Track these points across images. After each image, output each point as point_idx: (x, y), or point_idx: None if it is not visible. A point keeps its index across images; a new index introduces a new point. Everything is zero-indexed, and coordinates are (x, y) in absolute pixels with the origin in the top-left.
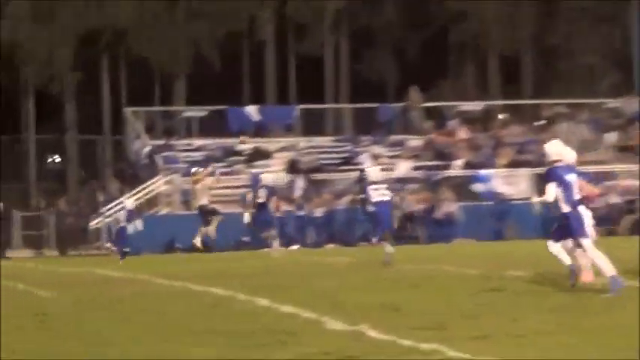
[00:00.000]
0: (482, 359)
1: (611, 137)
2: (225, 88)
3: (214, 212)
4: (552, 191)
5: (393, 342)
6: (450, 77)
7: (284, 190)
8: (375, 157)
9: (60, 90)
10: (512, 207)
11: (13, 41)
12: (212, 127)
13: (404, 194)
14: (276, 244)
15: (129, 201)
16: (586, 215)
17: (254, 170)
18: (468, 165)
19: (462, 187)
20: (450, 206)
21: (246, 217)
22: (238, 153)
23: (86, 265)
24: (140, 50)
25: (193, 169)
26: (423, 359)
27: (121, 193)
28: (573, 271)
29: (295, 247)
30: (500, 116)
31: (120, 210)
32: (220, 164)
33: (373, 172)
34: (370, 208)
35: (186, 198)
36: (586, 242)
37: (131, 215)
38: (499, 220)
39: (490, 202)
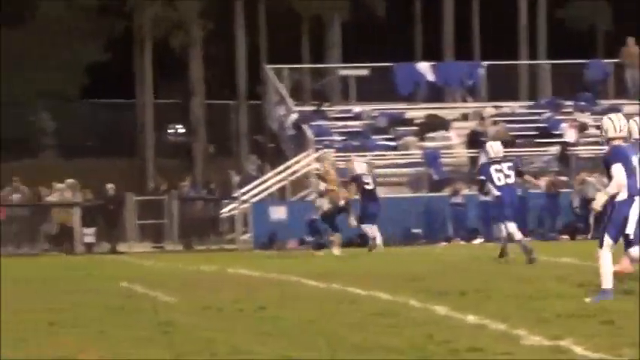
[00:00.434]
0: None
1: None
2: (391, 40)
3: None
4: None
5: None
6: None
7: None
8: (580, 128)
9: (184, 44)
10: None
11: None
12: (374, 89)
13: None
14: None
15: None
16: None
17: (428, 144)
18: None
19: None
20: None
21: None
22: (408, 122)
23: (217, 262)
24: None
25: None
26: None
27: (261, 172)
28: None
29: (478, 241)
30: None
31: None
32: (384, 136)
33: (495, 146)
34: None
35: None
36: None
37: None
38: None
39: None
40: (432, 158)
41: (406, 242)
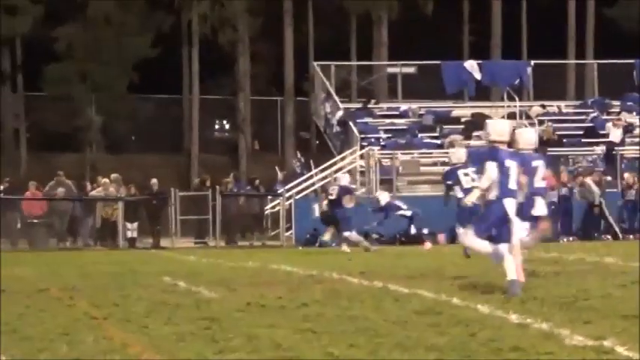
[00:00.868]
0: None
1: None
2: (438, 38)
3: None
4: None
5: None
6: None
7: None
8: (626, 128)
9: (231, 40)
10: None
11: None
12: (421, 87)
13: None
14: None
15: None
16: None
17: (474, 142)
18: None
19: None
20: None
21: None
22: (454, 120)
23: (260, 258)
24: None
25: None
26: None
27: (306, 169)
28: None
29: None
30: None
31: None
32: (430, 134)
33: (458, 153)
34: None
35: (387, 176)
36: None
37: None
38: None
39: None
40: (475, 158)
41: (451, 241)
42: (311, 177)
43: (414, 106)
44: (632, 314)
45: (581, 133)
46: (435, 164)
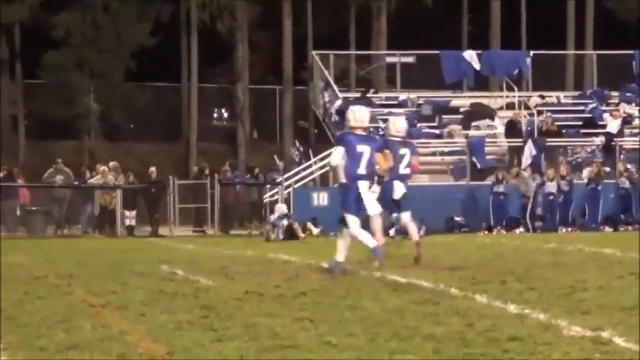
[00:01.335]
0: None
1: None
2: (437, 28)
3: None
4: None
5: None
6: None
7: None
8: (625, 119)
9: (230, 27)
10: None
11: None
12: (420, 77)
13: None
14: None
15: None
16: None
17: (473, 133)
18: None
19: None
20: None
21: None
22: (453, 110)
23: (258, 247)
24: None
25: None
26: None
27: (304, 158)
28: None
29: (520, 230)
30: None
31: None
32: (428, 124)
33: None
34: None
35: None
36: None
37: None
38: None
39: None
40: (476, 147)
41: (448, 230)
42: (310, 166)
43: (413, 95)
44: (630, 305)
45: (580, 123)
46: (433, 154)
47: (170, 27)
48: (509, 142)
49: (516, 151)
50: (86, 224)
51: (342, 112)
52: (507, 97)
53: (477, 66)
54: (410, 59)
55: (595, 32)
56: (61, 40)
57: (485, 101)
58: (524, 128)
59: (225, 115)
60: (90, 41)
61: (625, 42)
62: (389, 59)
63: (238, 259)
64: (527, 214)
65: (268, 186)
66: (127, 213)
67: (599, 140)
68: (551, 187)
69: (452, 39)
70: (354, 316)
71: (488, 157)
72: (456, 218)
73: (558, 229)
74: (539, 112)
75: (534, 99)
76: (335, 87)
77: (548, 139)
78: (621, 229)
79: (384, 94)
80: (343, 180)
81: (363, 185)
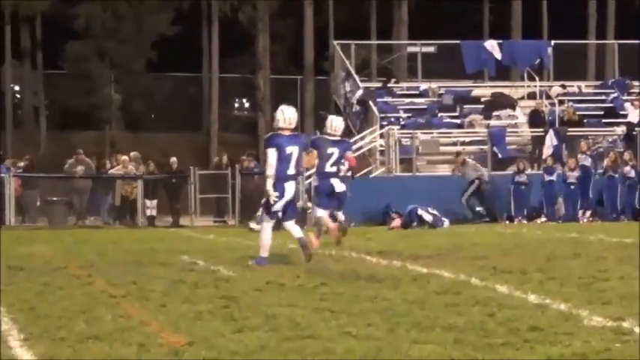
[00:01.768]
0: None
1: None
2: (458, 17)
3: None
4: None
5: None
6: None
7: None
8: None
9: (251, 18)
10: None
11: None
12: (441, 66)
13: None
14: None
15: None
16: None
17: (494, 122)
18: None
19: None
20: None
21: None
22: (474, 100)
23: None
24: None
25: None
26: None
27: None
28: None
29: (541, 220)
30: None
31: None
32: (449, 114)
33: None
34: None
35: (406, 155)
36: None
37: None
38: None
39: None
40: (497, 137)
41: (469, 220)
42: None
43: (434, 85)
44: None
45: (602, 113)
46: (454, 144)
47: (191, 17)
48: (532, 131)
49: (539, 141)
50: (107, 215)
51: (363, 102)
52: (528, 86)
53: (498, 56)
54: (431, 49)
55: (616, 22)
56: (82, 31)
57: (506, 91)
58: (546, 118)
59: (247, 105)
60: (110, 31)
61: None
62: (410, 49)
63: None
64: (465, 197)
65: None
66: (148, 203)
67: (621, 130)
68: (572, 177)
69: (473, 29)
70: (374, 306)
71: (509, 146)
72: (477, 208)
73: (579, 219)
74: (561, 102)
75: (555, 89)
76: (356, 77)
77: (570, 129)
78: None
79: (405, 84)
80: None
81: (289, 187)
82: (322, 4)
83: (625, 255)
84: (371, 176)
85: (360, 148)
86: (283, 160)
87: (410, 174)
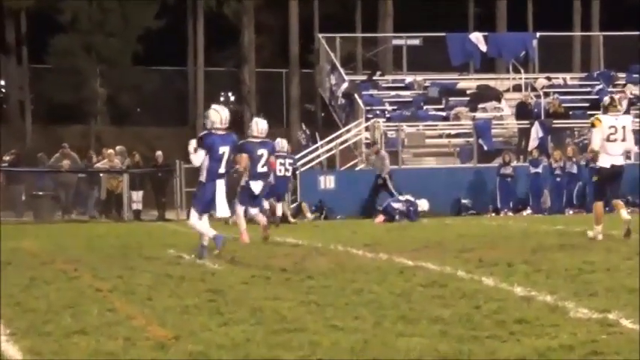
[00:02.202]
0: None
1: None
2: (443, 10)
3: None
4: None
5: None
6: None
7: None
8: (631, 101)
9: (236, 11)
10: None
11: None
12: (426, 59)
13: None
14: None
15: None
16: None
17: (480, 115)
18: None
19: None
20: None
21: None
22: (460, 92)
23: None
24: None
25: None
26: None
27: (311, 141)
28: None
29: (527, 212)
30: None
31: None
32: (435, 106)
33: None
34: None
35: (392, 148)
36: None
37: None
38: None
39: None
40: (482, 129)
41: (455, 213)
42: (316, 149)
43: (420, 78)
44: (637, 287)
45: (587, 105)
46: (440, 136)
47: (176, 10)
48: (518, 124)
49: (525, 133)
50: (93, 209)
51: (348, 95)
52: (514, 79)
53: (483, 48)
54: (416, 41)
55: (601, 13)
56: (68, 25)
57: (491, 83)
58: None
59: (232, 98)
60: (96, 25)
61: (631, 23)
62: (395, 42)
63: (245, 243)
64: (371, 192)
65: None
66: (134, 197)
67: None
68: (558, 169)
69: (458, 21)
70: (360, 299)
71: (495, 139)
72: (463, 201)
73: (565, 210)
74: (546, 94)
75: (541, 81)
76: (341, 70)
77: (555, 121)
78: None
79: (390, 77)
80: (203, 178)
81: (220, 184)
82: None
83: (611, 247)
84: (357, 169)
85: (346, 141)
86: (215, 159)
87: (396, 167)
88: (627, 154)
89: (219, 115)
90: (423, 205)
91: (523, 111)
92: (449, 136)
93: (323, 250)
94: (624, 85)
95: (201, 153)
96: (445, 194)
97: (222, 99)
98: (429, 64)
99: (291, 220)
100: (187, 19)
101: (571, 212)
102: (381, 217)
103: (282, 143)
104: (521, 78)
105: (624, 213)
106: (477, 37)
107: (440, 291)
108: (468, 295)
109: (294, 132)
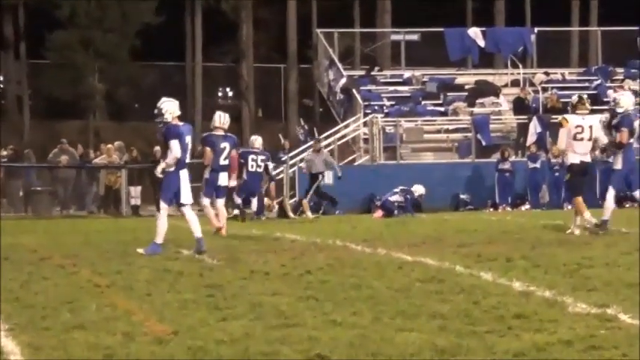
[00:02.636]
0: None
1: None
2: (441, 5)
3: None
4: None
5: None
6: None
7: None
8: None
9: (235, 6)
10: None
11: None
12: (425, 54)
13: None
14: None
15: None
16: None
17: (478, 110)
18: None
19: None
20: None
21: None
22: (458, 87)
23: (264, 226)
24: None
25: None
26: None
27: (309, 136)
28: None
29: (525, 207)
30: None
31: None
32: (433, 102)
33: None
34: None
35: (391, 144)
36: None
37: None
38: None
39: None
40: (481, 124)
41: (454, 208)
42: None
43: (418, 73)
44: (635, 282)
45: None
46: (438, 132)
47: (174, 5)
48: (516, 119)
49: (523, 128)
50: (91, 204)
51: (346, 90)
52: (512, 74)
53: (481, 43)
54: (414, 37)
55: (599, 8)
56: (66, 20)
57: (489, 78)
58: (530, 105)
59: (230, 94)
60: (95, 21)
61: (630, 18)
62: (393, 37)
63: (244, 238)
64: (311, 192)
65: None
66: (133, 192)
67: (604, 117)
68: (556, 164)
69: (456, 16)
70: (359, 294)
71: (493, 134)
72: (462, 196)
73: (564, 206)
74: (544, 89)
75: (539, 76)
76: (339, 65)
77: (553, 116)
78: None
79: (388, 72)
80: (172, 169)
81: (184, 174)
82: None
83: (610, 242)
84: (355, 164)
85: (344, 136)
86: (184, 150)
87: (394, 162)
88: (597, 146)
89: (172, 107)
90: (419, 189)
91: (520, 106)
92: (447, 131)
93: (322, 246)
94: (622, 80)
95: (175, 142)
96: (443, 189)
97: (219, 94)
98: (427, 60)
99: (291, 215)
100: (185, 15)
101: (569, 207)
102: (379, 212)
103: (257, 141)
104: (519, 73)
105: (588, 215)
106: (475, 32)
107: (438, 286)
108: (466, 290)
109: (293, 127)
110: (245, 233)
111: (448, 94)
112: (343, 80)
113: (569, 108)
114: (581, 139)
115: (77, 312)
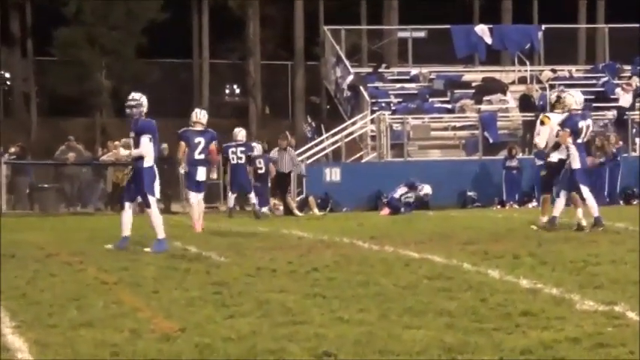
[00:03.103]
0: None
1: None
2: (448, 2)
3: None
4: None
5: None
6: None
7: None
8: (636, 92)
9: (242, 4)
10: None
11: None
12: (432, 51)
13: None
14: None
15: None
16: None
17: (485, 107)
18: None
19: None
20: None
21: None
22: (465, 85)
23: (271, 223)
24: None
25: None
26: None
27: (316, 134)
28: None
29: (532, 204)
30: None
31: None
32: (440, 99)
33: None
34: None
35: (398, 141)
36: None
37: None
38: None
39: None
40: (488, 121)
41: (461, 205)
42: (322, 142)
43: (425, 70)
44: None
45: (592, 97)
46: (445, 129)
47: (181, 2)
48: (523, 116)
49: (530, 126)
50: (98, 201)
51: (354, 88)
52: (519, 71)
53: (488, 40)
54: (421, 34)
55: (607, 5)
56: (72, 17)
57: (497, 75)
58: (536, 102)
59: (237, 90)
60: (101, 18)
61: (637, 15)
62: (400, 34)
63: (250, 236)
64: (289, 192)
65: None
66: None
67: (612, 114)
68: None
69: (463, 13)
70: (366, 291)
71: (500, 131)
72: (469, 193)
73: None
74: (551, 87)
75: (546, 73)
76: (347, 62)
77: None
78: (634, 202)
79: (395, 69)
80: (151, 163)
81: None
82: None
83: (617, 239)
84: (362, 162)
85: (351, 133)
86: (155, 143)
87: (401, 159)
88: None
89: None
90: (426, 189)
91: (527, 103)
92: (454, 128)
93: (328, 243)
94: (630, 77)
95: (146, 138)
96: (451, 186)
97: (226, 91)
98: (434, 57)
99: (297, 213)
100: (192, 12)
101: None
102: (386, 210)
103: (240, 133)
104: (526, 70)
105: (580, 212)
106: (482, 30)
107: (446, 283)
108: (473, 287)
109: (300, 124)
110: (251, 230)
111: (455, 91)
112: (350, 77)
113: (548, 106)
114: None
115: (84, 309)
